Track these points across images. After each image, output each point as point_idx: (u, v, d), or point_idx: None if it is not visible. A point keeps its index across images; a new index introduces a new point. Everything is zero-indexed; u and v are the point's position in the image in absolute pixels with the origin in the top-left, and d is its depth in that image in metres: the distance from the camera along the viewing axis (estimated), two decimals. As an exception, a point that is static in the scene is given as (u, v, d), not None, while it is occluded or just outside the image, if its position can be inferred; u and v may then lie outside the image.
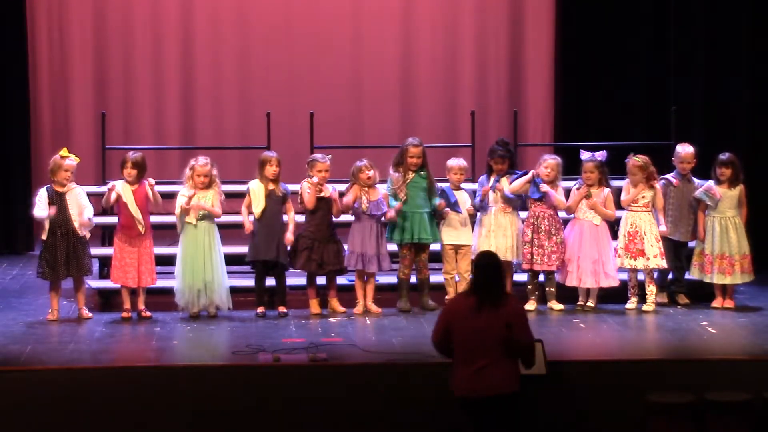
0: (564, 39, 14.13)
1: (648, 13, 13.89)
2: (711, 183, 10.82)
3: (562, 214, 10.81)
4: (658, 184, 10.78)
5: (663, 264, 10.70)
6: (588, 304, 10.67)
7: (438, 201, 10.67)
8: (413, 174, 10.69)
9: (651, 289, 10.71)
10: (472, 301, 7.72)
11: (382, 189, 10.70)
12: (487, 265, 7.86)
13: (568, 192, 10.89)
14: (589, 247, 10.67)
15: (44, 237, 10.29)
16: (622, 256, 10.73)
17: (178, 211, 10.41)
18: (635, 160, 10.73)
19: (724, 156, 10.83)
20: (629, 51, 13.90)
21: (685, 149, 11.02)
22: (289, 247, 10.54)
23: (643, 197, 10.75)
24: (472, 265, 7.89)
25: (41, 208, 10.27)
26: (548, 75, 14.40)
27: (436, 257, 10.96)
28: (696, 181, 11.00)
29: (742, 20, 13.33)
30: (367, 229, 10.56)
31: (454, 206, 10.75)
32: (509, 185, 10.68)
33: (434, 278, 10.94)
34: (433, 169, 10.84)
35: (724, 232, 10.74)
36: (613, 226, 11.06)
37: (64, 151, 10.41)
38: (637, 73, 13.92)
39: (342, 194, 10.62)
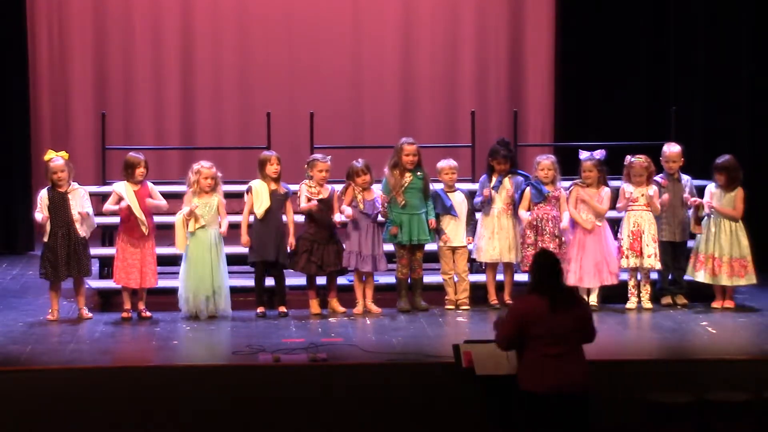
0: (564, 39, 14.13)
1: (648, 13, 13.89)
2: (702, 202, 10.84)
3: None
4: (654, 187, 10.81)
5: (657, 265, 10.69)
6: (591, 303, 10.68)
7: (430, 217, 10.68)
8: (410, 174, 10.68)
9: (646, 288, 10.73)
10: (544, 302, 7.62)
11: (377, 189, 10.71)
12: (549, 264, 7.77)
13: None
14: (591, 246, 10.67)
15: (45, 239, 10.29)
16: (629, 256, 10.73)
17: (179, 224, 10.36)
18: (641, 161, 10.73)
19: (719, 160, 10.81)
20: (629, 51, 13.90)
21: (670, 148, 11.02)
22: (289, 249, 10.55)
23: (642, 195, 10.76)
24: (533, 265, 7.83)
25: (38, 210, 10.28)
26: (548, 75, 14.40)
27: (434, 257, 10.97)
28: (684, 178, 11.00)
29: (742, 20, 13.33)
30: (363, 228, 10.56)
31: (450, 210, 10.76)
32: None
33: (433, 278, 10.94)
34: (431, 170, 10.85)
35: (717, 233, 10.74)
36: (614, 225, 11.07)
37: (48, 154, 10.42)
38: (637, 73, 13.92)
39: (340, 196, 10.62)
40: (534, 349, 7.62)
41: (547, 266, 7.77)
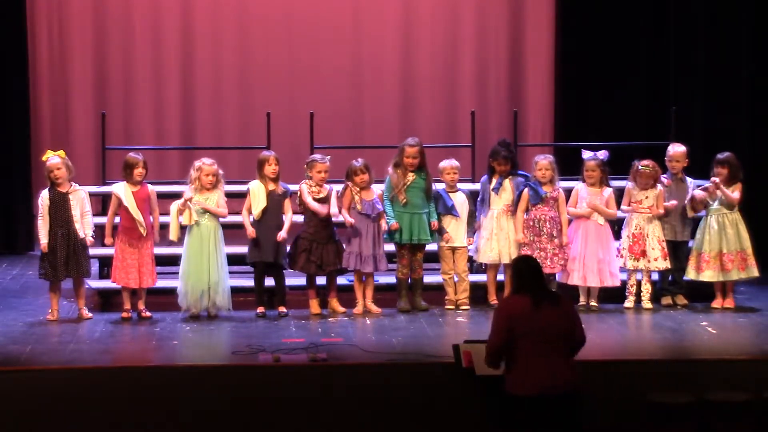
0: (564, 39, 14.13)
1: (648, 13, 13.90)
2: (706, 185, 10.82)
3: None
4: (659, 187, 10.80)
5: (665, 265, 10.71)
6: (591, 303, 10.68)
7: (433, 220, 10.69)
8: (413, 175, 10.68)
9: (647, 288, 10.74)
10: (527, 301, 7.67)
11: (377, 189, 10.71)
12: (529, 269, 7.83)
13: (568, 192, 10.91)
14: (594, 246, 10.68)
15: (45, 239, 10.29)
16: (625, 256, 10.74)
17: (173, 213, 10.38)
18: (647, 170, 10.71)
19: (721, 156, 10.84)
20: (629, 51, 13.91)
21: (675, 149, 11.03)
22: (288, 248, 10.54)
23: (647, 198, 10.75)
24: (513, 272, 7.87)
25: (40, 215, 10.28)
26: (548, 75, 14.40)
27: (434, 258, 10.97)
28: (689, 180, 11.01)
29: (742, 20, 13.33)
30: (364, 229, 10.56)
31: (451, 210, 10.75)
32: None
33: (433, 278, 10.94)
34: (432, 170, 10.84)
35: (721, 229, 10.74)
36: (614, 225, 11.07)
37: (46, 155, 10.43)
38: (637, 73, 13.93)
39: (338, 197, 10.62)
40: (521, 349, 7.62)
41: (527, 271, 7.81)
